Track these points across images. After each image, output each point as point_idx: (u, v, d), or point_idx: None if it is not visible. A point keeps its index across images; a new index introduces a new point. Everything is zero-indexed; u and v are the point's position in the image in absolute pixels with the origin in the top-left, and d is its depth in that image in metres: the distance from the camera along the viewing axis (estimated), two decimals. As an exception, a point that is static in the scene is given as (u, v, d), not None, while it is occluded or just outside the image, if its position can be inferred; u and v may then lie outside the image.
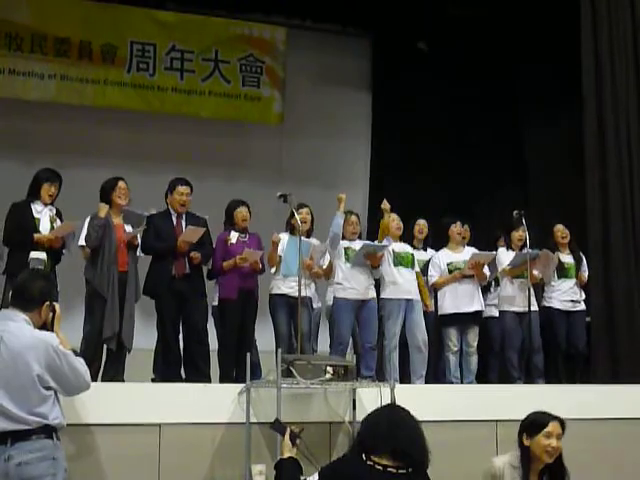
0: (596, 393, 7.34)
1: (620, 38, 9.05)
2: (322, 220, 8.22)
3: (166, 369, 7.30)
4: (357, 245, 7.98)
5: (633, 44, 9.09)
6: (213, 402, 6.01)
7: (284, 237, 7.92)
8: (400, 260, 8.11)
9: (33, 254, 6.65)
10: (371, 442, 3.73)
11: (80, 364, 4.45)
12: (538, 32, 10.92)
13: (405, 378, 7.94)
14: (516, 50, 11.45)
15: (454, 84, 11.55)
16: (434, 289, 8.51)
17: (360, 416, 4.02)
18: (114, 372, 6.90)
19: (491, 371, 8.74)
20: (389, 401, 5.55)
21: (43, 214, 7.10)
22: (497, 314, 8.72)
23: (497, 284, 8.83)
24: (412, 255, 8.26)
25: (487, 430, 6.54)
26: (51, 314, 4.54)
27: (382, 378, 7.27)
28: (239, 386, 6.04)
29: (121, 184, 7.25)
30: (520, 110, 11.95)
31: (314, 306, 8.05)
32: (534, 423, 4.71)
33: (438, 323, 8.42)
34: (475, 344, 8.25)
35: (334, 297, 7.91)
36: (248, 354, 6.11)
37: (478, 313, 8.33)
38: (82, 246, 7.10)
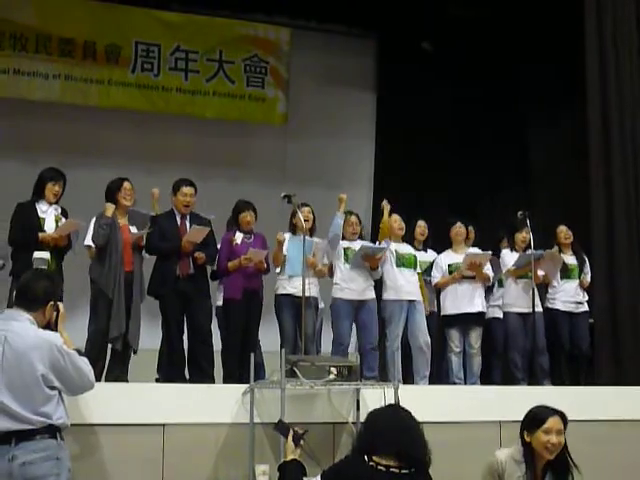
0: (600, 394, 7.34)
1: (625, 35, 9.04)
2: (326, 220, 8.22)
3: (170, 369, 7.30)
4: (357, 245, 7.99)
5: (638, 41, 9.09)
6: (217, 402, 6.01)
7: (286, 237, 7.93)
8: (403, 261, 8.11)
9: (37, 254, 6.64)
10: (373, 443, 3.74)
11: (84, 364, 4.45)
12: (540, 32, 10.91)
13: (408, 379, 7.94)
14: (519, 50, 11.44)
15: (458, 84, 11.56)
16: (437, 290, 8.52)
17: (364, 417, 4.02)
18: (118, 372, 6.90)
19: (495, 372, 8.73)
20: (393, 402, 5.56)
21: (48, 213, 7.12)
22: (500, 315, 8.71)
23: (500, 285, 8.82)
24: (414, 256, 8.26)
25: (491, 431, 6.53)
26: (55, 314, 4.55)
27: (385, 379, 7.27)
28: (243, 386, 6.05)
29: (126, 185, 7.25)
30: (523, 110, 11.94)
31: (319, 306, 8.05)
32: (533, 419, 4.60)
33: (441, 324, 8.43)
34: (477, 345, 8.25)
35: (332, 297, 7.92)
36: (252, 354, 6.12)
37: (480, 314, 8.33)
38: (88, 246, 7.12)
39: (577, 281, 8.79)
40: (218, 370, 7.43)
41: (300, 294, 7.29)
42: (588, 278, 8.83)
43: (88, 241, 7.10)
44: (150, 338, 7.42)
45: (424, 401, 6.24)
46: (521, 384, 8.23)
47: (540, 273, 8.57)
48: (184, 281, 7.30)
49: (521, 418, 4.68)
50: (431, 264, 8.58)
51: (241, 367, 7.25)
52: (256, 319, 7.76)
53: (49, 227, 7.05)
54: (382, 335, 8.04)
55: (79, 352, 4.50)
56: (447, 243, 8.65)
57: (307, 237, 7.61)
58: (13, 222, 7.06)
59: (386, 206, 8.54)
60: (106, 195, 7.27)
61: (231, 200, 8.08)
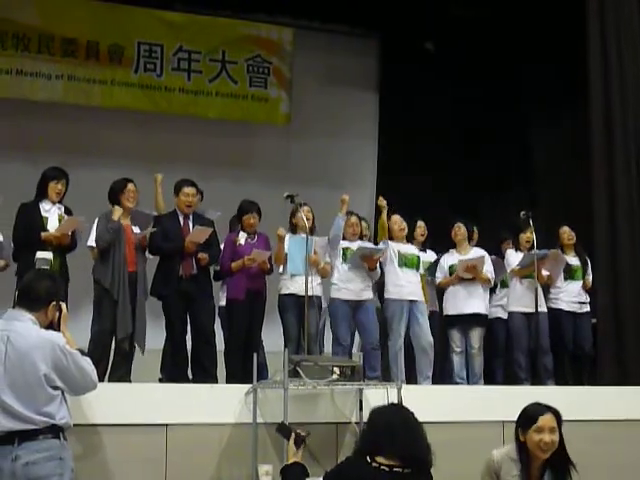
0: (602, 394, 7.33)
1: (627, 34, 9.03)
2: (329, 220, 8.22)
3: (173, 369, 7.31)
4: (356, 246, 7.98)
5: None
6: (220, 402, 6.01)
7: (287, 237, 7.90)
8: (405, 261, 8.11)
9: (39, 254, 6.64)
10: (376, 443, 3.74)
11: (87, 363, 4.45)
12: (541, 32, 10.91)
13: (411, 379, 7.94)
14: (521, 50, 11.43)
15: (460, 84, 11.55)
16: (440, 290, 8.53)
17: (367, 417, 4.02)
18: (122, 372, 6.91)
19: (497, 372, 8.72)
20: (396, 402, 5.55)
21: (51, 212, 7.13)
22: (503, 315, 8.74)
23: (502, 286, 8.83)
24: (418, 257, 8.25)
25: (494, 431, 6.52)
26: (58, 314, 4.55)
27: (388, 379, 7.27)
28: (246, 387, 6.04)
29: (130, 187, 7.25)
30: (525, 110, 11.93)
31: (323, 306, 8.05)
32: (525, 418, 4.48)
33: (443, 324, 8.43)
34: (477, 346, 8.23)
35: (330, 297, 7.92)
36: (255, 355, 6.11)
37: (481, 315, 8.32)
38: (91, 247, 7.12)
39: (580, 282, 8.81)
40: (221, 370, 7.44)
41: (303, 293, 7.30)
42: (590, 279, 8.84)
43: (91, 242, 7.10)
44: (153, 338, 7.41)
45: (427, 401, 6.24)
46: (524, 384, 8.23)
47: (544, 273, 8.57)
48: (187, 281, 7.31)
49: (523, 418, 4.66)
50: (430, 264, 8.58)
51: (244, 367, 7.24)
52: (259, 319, 7.76)
53: (52, 226, 7.05)
54: (384, 335, 8.04)
55: (82, 352, 4.51)
56: (448, 243, 8.65)
57: (308, 236, 7.59)
58: (17, 222, 7.07)
59: (383, 204, 8.53)
60: (109, 195, 7.28)
61: (233, 200, 8.08)
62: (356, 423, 6.16)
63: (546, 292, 8.77)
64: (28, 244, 6.90)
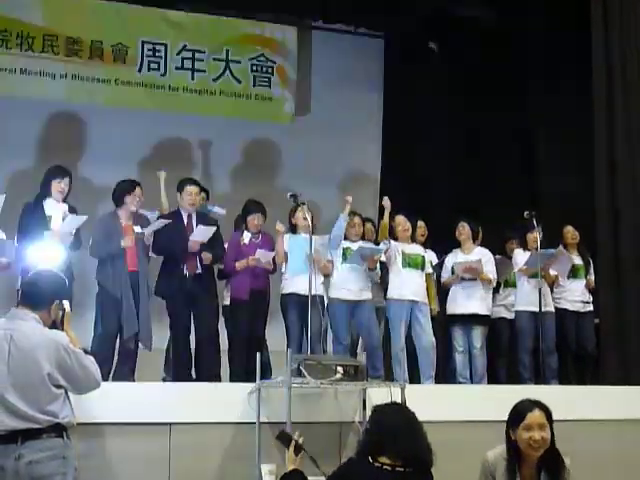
0: (606, 394, 7.33)
1: (631, 35, 9.02)
2: (332, 221, 8.21)
3: (177, 369, 7.31)
4: (357, 247, 7.97)
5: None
6: (223, 402, 6.01)
7: (287, 237, 7.88)
8: (409, 261, 8.09)
9: (42, 254, 6.66)
10: (378, 444, 3.74)
11: (90, 362, 4.46)
12: (546, 30, 10.88)
13: (414, 379, 7.93)
14: (524, 50, 11.41)
15: (464, 85, 11.52)
16: (444, 289, 8.54)
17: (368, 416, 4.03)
18: (125, 371, 6.92)
19: (501, 372, 8.72)
20: (399, 401, 5.55)
21: (55, 211, 7.13)
22: (506, 315, 8.76)
23: (506, 285, 8.83)
24: (422, 257, 8.21)
25: (497, 430, 6.49)
26: (61, 313, 4.56)
27: (390, 378, 7.26)
28: (249, 386, 6.04)
29: (137, 191, 7.27)
30: (529, 110, 11.91)
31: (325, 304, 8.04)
32: (514, 416, 4.35)
33: (446, 323, 8.43)
34: (479, 345, 8.23)
35: (329, 297, 7.91)
36: (258, 354, 6.12)
37: (482, 315, 8.31)
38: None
39: (584, 281, 8.81)
40: (225, 369, 7.45)
41: (306, 293, 7.30)
42: (593, 279, 8.84)
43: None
44: (157, 337, 7.43)
45: (430, 400, 6.24)
46: (528, 384, 8.23)
47: (552, 272, 8.57)
48: (191, 281, 7.32)
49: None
50: (431, 264, 8.59)
51: (248, 366, 7.24)
52: (263, 319, 7.77)
53: (56, 224, 7.05)
54: (387, 335, 8.04)
55: (85, 351, 4.51)
56: (449, 243, 8.65)
57: (307, 235, 7.55)
58: (21, 221, 7.08)
59: (386, 205, 8.53)
60: (114, 194, 7.29)
61: (237, 199, 8.08)
62: (359, 423, 6.15)
63: (550, 292, 8.77)
64: (32, 243, 6.90)
